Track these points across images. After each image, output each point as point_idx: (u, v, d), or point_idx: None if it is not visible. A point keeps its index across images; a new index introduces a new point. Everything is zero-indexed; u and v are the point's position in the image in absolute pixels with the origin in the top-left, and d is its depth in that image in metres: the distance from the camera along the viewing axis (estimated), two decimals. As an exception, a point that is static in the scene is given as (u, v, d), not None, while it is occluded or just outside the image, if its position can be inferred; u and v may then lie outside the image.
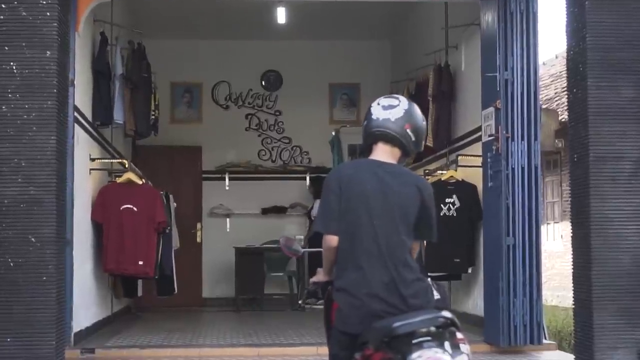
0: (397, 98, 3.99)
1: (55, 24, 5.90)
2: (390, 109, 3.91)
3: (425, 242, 9.02)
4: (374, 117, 3.94)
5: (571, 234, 6.32)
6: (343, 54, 13.70)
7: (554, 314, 12.96)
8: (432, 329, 3.63)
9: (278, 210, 13.63)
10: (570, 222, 6.34)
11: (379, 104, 3.96)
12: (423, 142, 4.05)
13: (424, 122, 4.03)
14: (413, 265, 3.85)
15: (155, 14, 12.28)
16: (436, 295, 3.91)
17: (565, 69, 6.42)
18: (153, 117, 10.97)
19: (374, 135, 3.93)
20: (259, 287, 12.65)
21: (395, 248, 3.81)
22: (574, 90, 6.23)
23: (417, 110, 3.97)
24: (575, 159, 6.21)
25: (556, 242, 18.28)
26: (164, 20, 12.55)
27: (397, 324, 3.64)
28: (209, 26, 12.95)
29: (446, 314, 3.75)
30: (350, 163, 4.13)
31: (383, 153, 3.93)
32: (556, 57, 20.83)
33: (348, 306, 3.79)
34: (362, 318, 3.74)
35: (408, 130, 3.90)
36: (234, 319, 11.42)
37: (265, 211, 13.63)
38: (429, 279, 3.95)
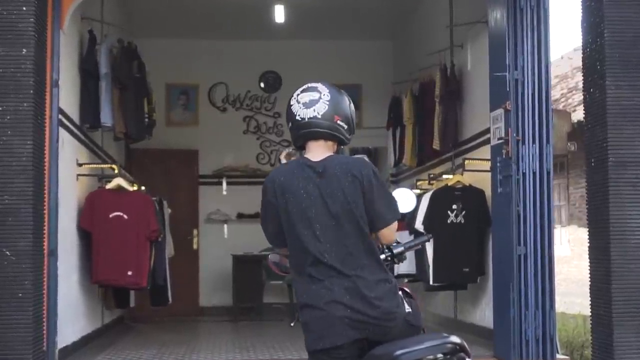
0: (316, 89, 3.64)
1: (32, 20, 5.49)
2: (313, 105, 3.58)
3: (432, 250, 8.64)
4: (298, 117, 3.59)
5: (588, 245, 5.91)
6: (344, 54, 13.28)
7: (563, 323, 12.54)
8: (440, 356, 3.36)
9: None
10: (588, 232, 5.93)
11: (298, 102, 3.61)
12: (354, 124, 3.69)
13: (351, 104, 3.69)
14: (375, 266, 3.50)
15: (150, 12, 11.91)
16: (407, 308, 3.54)
17: (581, 67, 6.00)
18: (147, 119, 10.53)
19: (305, 136, 3.61)
20: (258, 295, 12.32)
21: (347, 253, 3.47)
22: (591, 90, 5.81)
23: (340, 95, 3.66)
24: (593, 164, 5.79)
25: (563, 246, 17.92)
26: (158, 20, 12.18)
27: (399, 351, 3.32)
28: (205, 26, 12.55)
29: (455, 339, 3.47)
30: (283, 168, 3.66)
31: (316, 150, 3.59)
32: (562, 58, 20.48)
33: (312, 319, 3.46)
34: (328, 328, 3.41)
35: (339, 122, 3.60)
36: (231, 330, 11.01)
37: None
38: (400, 292, 3.59)
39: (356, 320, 3.40)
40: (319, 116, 3.56)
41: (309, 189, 3.50)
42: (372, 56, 13.39)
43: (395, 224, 3.62)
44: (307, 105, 3.58)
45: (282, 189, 3.54)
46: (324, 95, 3.61)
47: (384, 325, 3.43)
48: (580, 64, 18.41)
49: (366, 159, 3.79)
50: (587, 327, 10.33)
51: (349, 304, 3.41)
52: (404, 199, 3.97)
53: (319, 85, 3.66)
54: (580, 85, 16.51)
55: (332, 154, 3.61)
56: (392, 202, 3.60)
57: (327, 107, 3.57)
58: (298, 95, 3.63)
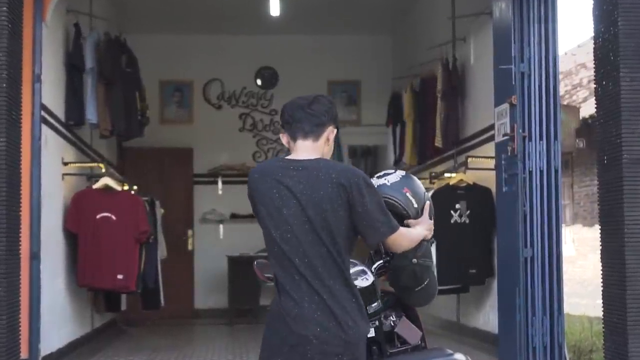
0: (393, 169, 3.74)
1: (5, 9, 5.15)
2: (385, 176, 3.63)
3: (436, 252, 8.28)
4: None
5: (600, 248, 5.55)
6: (342, 49, 12.97)
7: (569, 325, 12.17)
8: None
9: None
10: (600, 233, 5.57)
11: (373, 177, 3.63)
12: (428, 214, 3.61)
13: (427, 194, 3.67)
14: (342, 284, 3.22)
15: (142, 7, 11.64)
16: (409, 338, 3.45)
17: (593, 58, 5.64)
18: (140, 116, 10.17)
19: None
20: (254, 297, 11.97)
21: (319, 259, 3.20)
22: (604, 82, 5.45)
23: (416, 179, 3.70)
24: (605, 162, 5.43)
25: (567, 246, 17.60)
26: (151, 14, 11.89)
27: None
28: (199, 20, 12.24)
29: (460, 356, 3.37)
30: (263, 163, 3.48)
31: (303, 150, 3.37)
32: (565, 54, 20.14)
33: (271, 332, 3.25)
34: (290, 347, 3.17)
35: (408, 194, 3.55)
36: (226, 334, 10.69)
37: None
38: (402, 316, 3.54)
39: (322, 339, 3.13)
40: (389, 184, 3.56)
41: (281, 189, 3.25)
42: (371, 51, 13.12)
43: (398, 235, 3.33)
44: (380, 176, 3.64)
45: (255, 184, 3.32)
46: (398, 172, 3.66)
47: (352, 352, 3.18)
48: (583, 60, 18.00)
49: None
50: (594, 330, 9.99)
51: (319, 320, 3.15)
52: None
53: (397, 170, 3.74)
54: (585, 81, 16.23)
55: (320, 156, 3.36)
56: (386, 213, 3.31)
57: (398, 179, 3.58)
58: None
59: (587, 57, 17.47)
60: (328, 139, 3.41)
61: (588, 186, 15.47)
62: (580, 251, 17.02)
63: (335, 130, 3.45)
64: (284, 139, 3.42)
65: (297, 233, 3.20)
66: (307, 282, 3.17)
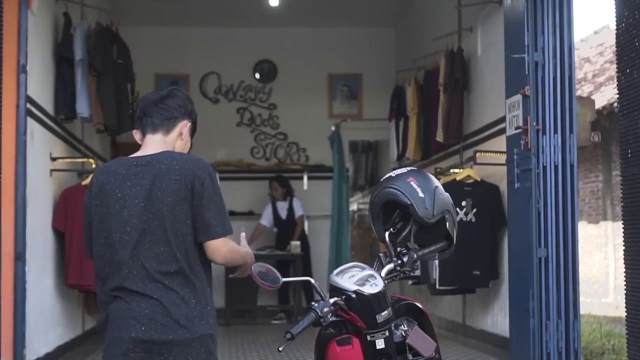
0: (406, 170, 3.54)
1: (-17, -8, 4.76)
2: (393, 172, 3.47)
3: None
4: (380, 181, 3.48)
5: (624, 248, 5.19)
6: (343, 41, 12.70)
7: (577, 326, 11.91)
8: None
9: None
10: (623, 233, 5.22)
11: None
12: (437, 210, 3.33)
13: (440, 189, 3.39)
14: (190, 283, 3.16)
15: (137, -2, 11.32)
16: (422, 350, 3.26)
17: (615, 44, 5.29)
18: (131, 110, 9.80)
19: (380, 196, 3.37)
20: (252, 297, 11.75)
21: (152, 263, 3.12)
22: (627, 70, 5.11)
23: (428, 174, 3.48)
24: (629, 155, 5.08)
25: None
26: (146, 6, 11.60)
27: None
28: (195, 12, 11.97)
29: None
30: (106, 165, 3.34)
31: (151, 145, 3.29)
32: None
33: (107, 342, 3.15)
34: (119, 351, 3.07)
35: (412, 183, 3.33)
36: (223, 335, 10.32)
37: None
38: (415, 325, 3.34)
39: (149, 340, 3.05)
40: (394, 175, 3.42)
41: (124, 188, 3.17)
42: (374, 43, 12.86)
43: (229, 241, 3.21)
44: (390, 172, 3.52)
45: (99, 188, 3.22)
46: (410, 168, 3.52)
47: (180, 352, 3.09)
48: (587, 54, 17.52)
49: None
50: (603, 331, 9.68)
51: (150, 316, 3.07)
52: None
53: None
54: (590, 76, 15.86)
55: (169, 149, 3.25)
56: (225, 214, 3.20)
57: (405, 170, 3.45)
58: None
59: (591, 52, 17.18)
60: (181, 134, 3.34)
61: (593, 182, 15.14)
62: (586, 249, 16.72)
63: (189, 124, 3.37)
64: (137, 135, 3.35)
65: (134, 234, 3.12)
66: (136, 284, 3.11)
